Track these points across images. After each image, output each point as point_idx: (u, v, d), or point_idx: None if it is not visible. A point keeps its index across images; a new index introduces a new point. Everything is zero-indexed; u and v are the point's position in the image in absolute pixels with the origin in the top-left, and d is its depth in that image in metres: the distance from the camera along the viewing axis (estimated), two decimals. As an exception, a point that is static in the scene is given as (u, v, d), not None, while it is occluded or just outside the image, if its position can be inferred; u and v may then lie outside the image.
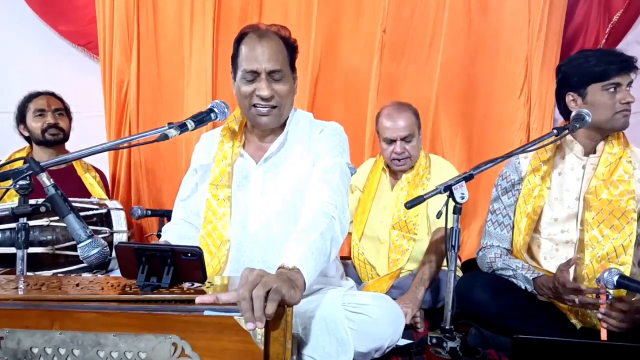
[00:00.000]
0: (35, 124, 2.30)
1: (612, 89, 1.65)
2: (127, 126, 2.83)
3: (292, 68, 1.56)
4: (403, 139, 2.12)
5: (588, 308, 1.56)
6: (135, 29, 2.77)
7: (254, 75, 1.46)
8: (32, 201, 1.34)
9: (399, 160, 2.14)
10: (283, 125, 1.57)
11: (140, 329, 0.94)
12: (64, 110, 2.40)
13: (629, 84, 1.66)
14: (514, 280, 1.73)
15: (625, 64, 1.65)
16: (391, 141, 2.14)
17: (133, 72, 2.80)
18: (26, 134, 2.35)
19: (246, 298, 0.93)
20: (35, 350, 0.95)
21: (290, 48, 1.54)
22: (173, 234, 1.53)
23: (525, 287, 1.70)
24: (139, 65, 2.80)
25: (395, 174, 2.25)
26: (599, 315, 1.43)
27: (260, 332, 0.92)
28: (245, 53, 1.48)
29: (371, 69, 2.72)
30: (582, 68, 1.70)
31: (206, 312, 0.95)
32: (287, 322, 0.97)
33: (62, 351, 0.94)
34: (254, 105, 1.49)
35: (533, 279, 1.66)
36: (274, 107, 1.49)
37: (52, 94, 2.39)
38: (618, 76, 1.64)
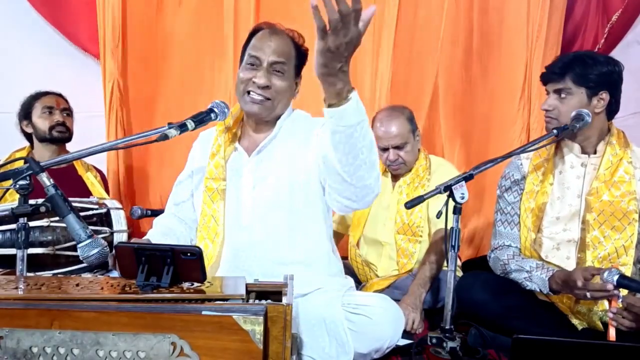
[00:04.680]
0: (42, 121, 2.31)
1: (546, 94, 1.76)
2: (126, 126, 2.82)
3: (297, 72, 1.57)
4: (396, 147, 2.10)
5: (598, 299, 1.55)
6: (138, 29, 2.77)
7: (256, 61, 1.48)
8: (32, 201, 1.33)
9: (392, 166, 2.16)
10: (278, 120, 1.57)
11: (139, 328, 0.94)
12: (70, 112, 2.42)
13: (560, 92, 1.70)
14: (528, 283, 1.69)
15: (547, 75, 1.74)
16: (384, 149, 2.13)
17: (131, 72, 2.80)
18: (29, 130, 2.35)
19: None
20: (34, 350, 0.95)
21: (300, 53, 1.55)
22: (160, 230, 1.61)
23: (540, 289, 1.66)
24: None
25: (395, 175, 2.25)
26: (610, 315, 1.44)
27: (259, 331, 0.92)
28: (253, 42, 1.52)
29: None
30: None
31: (205, 312, 0.95)
32: (286, 322, 0.97)
33: (62, 350, 0.95)
34: (248, 92, 1.50)
35: (549, 278, 1.64)
36: (267, 98, 1.49)
37: (60, 95, 2.41)
38: (547, 84, 1.75)
